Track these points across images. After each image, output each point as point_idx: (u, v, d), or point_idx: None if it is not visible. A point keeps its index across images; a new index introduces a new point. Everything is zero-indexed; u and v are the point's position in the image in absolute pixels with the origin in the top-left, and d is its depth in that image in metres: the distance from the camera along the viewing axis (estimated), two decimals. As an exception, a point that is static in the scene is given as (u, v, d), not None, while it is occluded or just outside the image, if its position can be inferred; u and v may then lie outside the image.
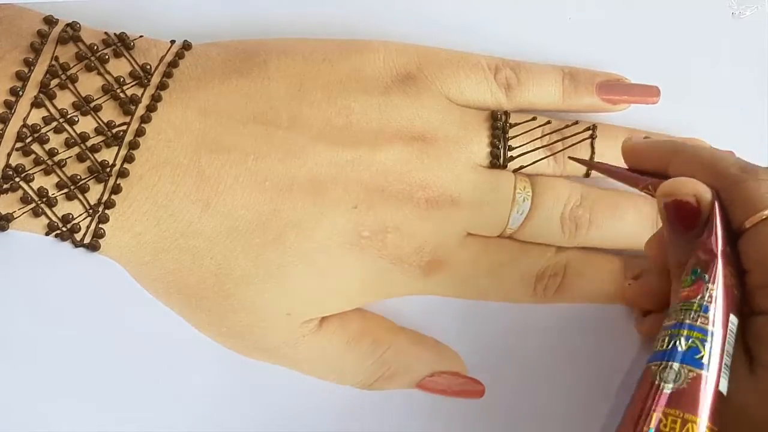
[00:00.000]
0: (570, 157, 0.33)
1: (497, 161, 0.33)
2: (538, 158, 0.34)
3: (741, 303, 0.26)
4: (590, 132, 0.34)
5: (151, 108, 0.31)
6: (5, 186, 0.30)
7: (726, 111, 0.36)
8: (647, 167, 0.29)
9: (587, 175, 0.34)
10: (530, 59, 0.35)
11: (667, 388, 0.25)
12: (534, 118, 0.34)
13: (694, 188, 0.26)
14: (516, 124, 0.34)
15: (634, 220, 0.33)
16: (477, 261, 0.33)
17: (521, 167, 0.33)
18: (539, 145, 0.34)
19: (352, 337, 0.32)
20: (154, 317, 0.31)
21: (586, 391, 0.32)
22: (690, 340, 0.25)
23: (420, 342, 0.33)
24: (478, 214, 0.33)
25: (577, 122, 0.34)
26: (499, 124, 0.33)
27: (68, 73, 0.32)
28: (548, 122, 0.34)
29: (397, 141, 0.32)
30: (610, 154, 0.33)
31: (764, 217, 0.25)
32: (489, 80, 0.34)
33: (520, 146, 0.33)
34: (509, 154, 0.33)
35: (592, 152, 0.34)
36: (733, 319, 0.25)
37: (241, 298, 0.31)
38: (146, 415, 0.31)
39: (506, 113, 0.34)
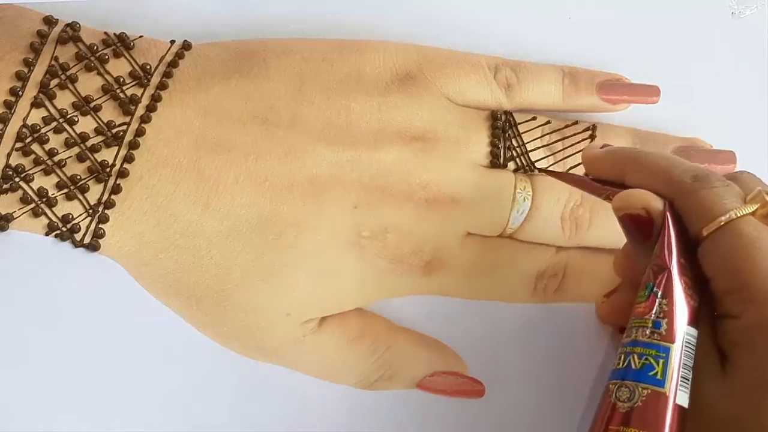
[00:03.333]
0: (540, 170, 0.33)
1: (497, 161, 0.33)
2: (538, 158, 0.34)
3: (704, 311, 0.26)
4: (590, 132, 0.34)
5: (150, 108, 0.31)
6: (5, 186, 0.30)
7: (726, 111, 0.36)
8: (607, 176, 0.30)
9: (587, 174, 0.34)
10: (530, 59, 0.35)
11: (623, 407, 0.25)
12: (534, 118, 0.34)
13: (644, 200, 0.27)
14: (516, 124, 0.34)
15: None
16: (477, 261, 0.33)
17: (521, 167, 0.33)
18: (539, 145, 0.34)
19: (352, 337, 0.32)
20: (154, 317, 0.31)
21: (585, 391, 0.32)
22: (643, 358, 0.25)
23: (420, 342, 0.33)
24: (478, 213, 0.33)
25: (577, 122, 0.34)
26: (499, 124, 0.33)
27: (68, 73, 0.32)
28: (548, 122, 0.34)
29: (397, 141, 0.32)
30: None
31: (720, 224, 0.25)
32: (489, 80, 0.34)
33: (520, 146, 0.33)
34: (509, 153, 0.33)
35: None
36: (691, 331, 0.25)
37: (240, 298, 0.31)
38: (146, 414, 0.31)
39: (506, 113, 0.34)
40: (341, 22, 0.36)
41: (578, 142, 0.34)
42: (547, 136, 0.34)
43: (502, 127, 0.33)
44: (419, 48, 0.34)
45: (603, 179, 0.30)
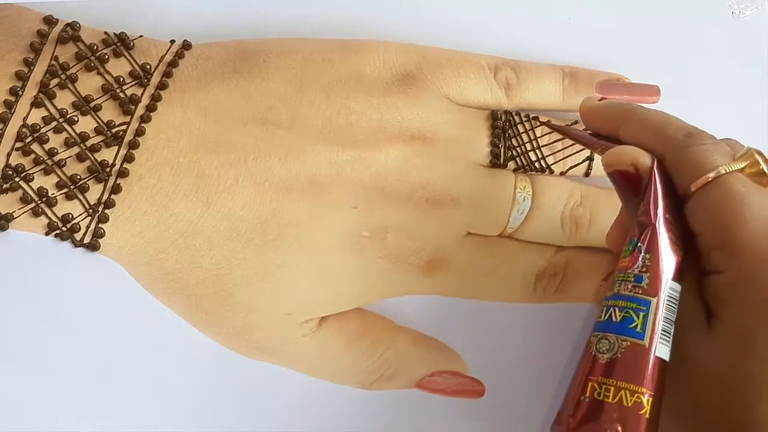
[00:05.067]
0: (542, 122, 0.33)
1: (497, 161, 0.33)
2: (538, 158, 0.33)
3: (690, 267, 0.26)
4: (590, 132, 0.34)
5: (150, 108, 0.31)
6: (5, 186, 0.30)
7: (726, 110, 0.36)
8: (602, 130, 0.30)
9: (587, 174, 0.34)
10: (530, 59, 0.35)
11: (602, 358, 0.25)
12: (534, 118, 0.34)
13: (633, 156, 0.27)
14: (516, 124, 0.34)
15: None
16: (477, 261, 0.33)
17: (521, 167, 0.33)
18: (539, 145, 0.34)
19: (352, 337, 0.32)
20: (154, 317, 0.31)
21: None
22: (624, 311, 0.25)
23: (420, 342, 0.33)
24: (479, 213, 0.33)
25: (577, 122, 0.34)
26: (499, 124, 0.33)
27: (68, 72, 0.32)
28: (548, 122, 0.34)
29: (397, 141, 0.32)
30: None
31: (709, 180, 0.26)
32: (489, 80, 0.34)
33: (521, 146, 0.33)
34: (509, 153, 0.33)
35: (592, 152, 0.34)
36: (674, 285, 0.26)
37: (240, 298, 0.31)
38: (146, 415, 0.31)
39: (506, 113, 0.34)
40: (341, 22, 0.36)
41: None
42: (547, 136, 0.34)
43: (503, 127, 0.33)
44: (419, 48, 0.34)
45: (598, 133, 0.30)
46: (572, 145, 0.34)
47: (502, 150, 0.33)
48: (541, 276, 0.33)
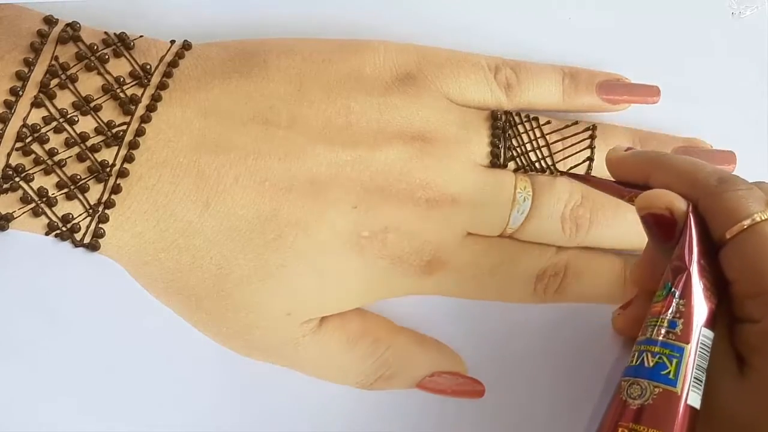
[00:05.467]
0: (562, 173, 0.33)
1: (498, 161, 0.33)
2: (538, 158, 0.33)
3: (723, 314, 0.26)
4: (590, 132, 0.34)
5: (151, 108, 0.31)
6: (5, 186, 0.30)
7: (726, 111, 0.36)
8: (631, 179, 0.29)
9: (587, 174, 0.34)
10: (530, 59, 0.35)
11: (633, 404, 0.25)
12: (534, 118, 0.34)
13: (668, 200, 0.27)
14: (516, 124, 0.34)
15: (634, 220, 0.33)
16: (477, 261, 0.33)
17: (521, 167, 0.33)
18: (539, 145, 0.34)
19: (352, 337, 0.32)
20: (154, 317, 0.31)
21: (586, 391, 0.32)
22: (657, 357, 0.25)
23: (420, 342, 0.33)
24: (479, 213, 0.33)
25: (577, 122, 0.34)
26: (499, 124, 0.33)
27: (68, 72, 0.32)
28: (548, 122, 0.34)
29: (397, 141, 0.32)
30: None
31: (744, 227, 0.25)
32: (489, 80, 0.34)
33: (521, 146, 0.33)
34: (509, 153, 0.33)
35: (592, 152, 0.34)
36: (707, 333, 0.25)
37: (240, 298, 0.31)
38: (146, 415, 0.31)
39: (506, 113, 0.34)
40: (341, 22, 0.36)
41: (578, 142, 0.34)
42: (547, 136, 0.34)
43: (503, 127, 0.33)
44: (419, 48, 0.34)
45: (626, 182, 0.30)
46: (572, 145, 0.34)
47: (502, 150, 0.33)
48: (541, 276, 0.33)
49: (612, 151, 0.30)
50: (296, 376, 0.32)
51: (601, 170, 0.34)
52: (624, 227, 0.33)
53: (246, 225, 0.31)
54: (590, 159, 0.34)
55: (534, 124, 0.34)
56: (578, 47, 0.36)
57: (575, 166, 0.34)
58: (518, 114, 0.34)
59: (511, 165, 0.33)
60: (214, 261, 0.31)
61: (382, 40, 0.34)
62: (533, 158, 0.33)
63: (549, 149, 0.34)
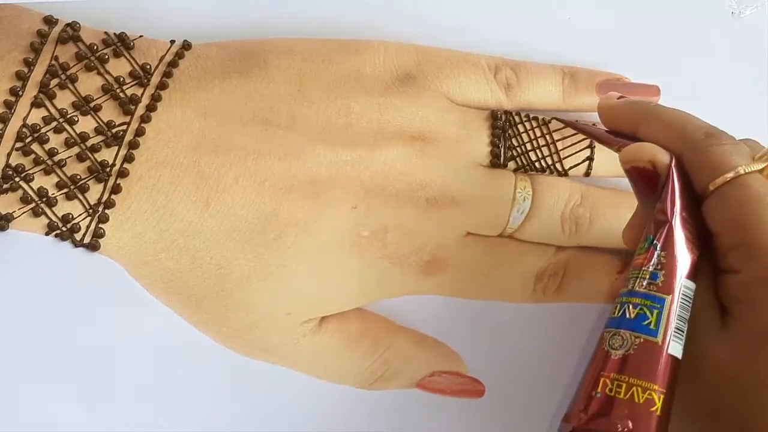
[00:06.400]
0: (558, 120, 0.33)
1: (498, 161, 0.33)
2: (538, 158, 0.33)
3: (706, 265, 0.26)
4: (606, 129, 0.34)
5: (150, 108, 0.31)
6: (5, 186, 0.30)
7: (726, 110, 0.36)
8: (621, 128, 0.29)
9: (587, 174, 0.34)
10: (530, 59, 0.35)
11: (615, 354, 0.25)
12: (535, 118, 0.34)
13: (651, 153, 0.27)
14: (516, 124, 0.34)
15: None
16: (477, 261, 0.33)
17: (521, 167, 0.33)
18: (539, 145, 0.34)
19: (352, 337, 0.32)
20: (154, 317, 0.31)
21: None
22: (638, 308, 0.25)
23: (420, 342, 0.33)
24: (479, 213, 0.33)
25: (577, 121, 0.34)
26: (499, 124, 0.33)
27: (68, 73, 0.32)
28: (548, 122, 0.34)
29: (397, 141, 0.32)
30: (610, 154, 0.33)
31: (727, 179, 0.26)
32: (489, 80, 0.34)
33: (521, 146, 0.33)
34: (509, 153, 0.33)
35: (592, 152, 0.34)
36: (688, 284, 0.26)
37: (240, 298, 0.31)
38: (146, 415, 0.31)
39: (506, 113, 0.34)
40: (341, 22, 0.36)
41: (578, 142, 0.34)
42: (547, 135, 0.34)
43: (503, 127, 0.33)
44: (419, 48, 0.34)
45: (616, 131, 0.30)
46: (572, 145, 0.34)
47: (502, 150, 0.33)
48: (541, 276, 0.33)
49: (604, 99, 0.31)
50: (296, 376, 0.32)
51: (601, 170, 0.34)
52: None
53: (246, 225, 0.31)
54: (590, 159, 0.34)
55: (534, 124, 0.34)
56: (578, 47, 0.36)
57: (575, 165, 0.34)
58: (518, 114, 0.34)
59: (511, 165, 0.33)
60: (214, 261, 0.31)
61: (382, 40, 0.34)
62: (533, 158, 0.33)
63: (549, 149, 0.34)
